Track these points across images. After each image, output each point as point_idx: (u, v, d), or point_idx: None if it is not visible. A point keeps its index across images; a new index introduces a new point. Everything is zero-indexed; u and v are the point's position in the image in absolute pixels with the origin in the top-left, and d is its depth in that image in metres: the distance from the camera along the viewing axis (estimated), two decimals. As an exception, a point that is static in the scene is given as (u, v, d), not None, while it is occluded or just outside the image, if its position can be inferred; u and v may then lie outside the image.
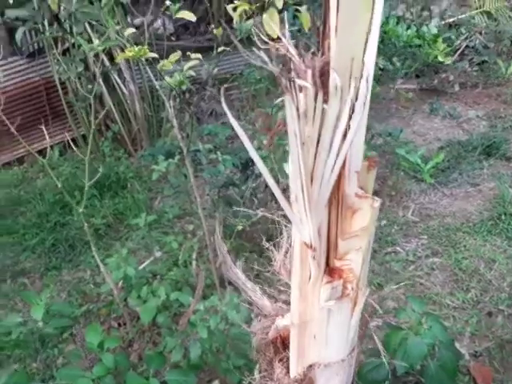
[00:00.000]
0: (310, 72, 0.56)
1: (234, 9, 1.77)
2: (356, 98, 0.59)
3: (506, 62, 5.65)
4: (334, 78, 0.56)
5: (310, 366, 0.77)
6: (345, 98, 0.58)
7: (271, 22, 1.65)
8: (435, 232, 3.49)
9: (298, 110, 0.58)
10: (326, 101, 0.58)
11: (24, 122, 4.66)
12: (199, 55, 1.72)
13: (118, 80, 4.17)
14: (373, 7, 0.55)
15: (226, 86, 4.32)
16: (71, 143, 2.36)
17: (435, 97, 5.49)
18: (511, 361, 2.54)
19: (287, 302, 0.95)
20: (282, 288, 1.06)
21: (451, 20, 5.88)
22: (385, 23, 3.73)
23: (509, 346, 2.61)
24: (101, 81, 3.98)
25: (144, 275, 2.59)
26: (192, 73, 1.74)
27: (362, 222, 0.66)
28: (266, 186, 2.90)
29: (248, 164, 2.97)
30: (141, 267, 2.71)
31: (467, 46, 5.92)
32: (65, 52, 4.28)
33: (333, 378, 0.79)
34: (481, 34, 5.98)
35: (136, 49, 1.52)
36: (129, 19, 4.45)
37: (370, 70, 0.60)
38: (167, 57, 1.81)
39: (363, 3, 0.55)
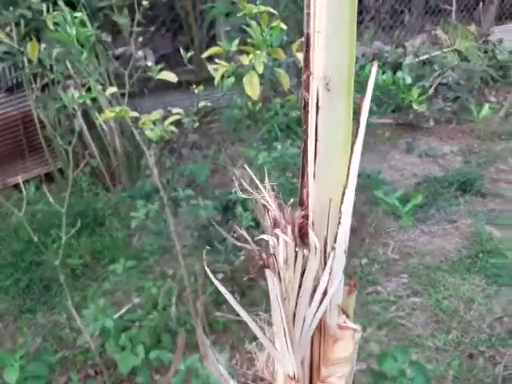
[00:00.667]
0: (289, 228, 0.59)
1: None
2: (335, 241, 0.61)
3: (477, 102, 5.88)
4: (314, 241, 0.58)
5: None
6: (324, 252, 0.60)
7: (251, 85, 1.68)
8: (415, 270, 3.52)
9: (279, 275, 0.59)
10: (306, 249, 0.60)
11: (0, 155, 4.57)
12: (181, 110, 1.73)
13: (98, 116, 4.14)
14: (351, 152, 0.57)
15: (207, 119, 4.35)
16: (50, 176, 2.31)
17: (411, 132, 5.64)
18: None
19: None
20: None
21: (425, 57, 6.11)
22: (361, 71, 3.86)
23: (490, 390, 2.61)
24: (80, 117, 3.94)
25: (122, 323, 2.52)
26: (173, 128, 1.74)
27: (343, 350, 0.67)
28: (247, 228, 2.89)
29: (228, 206, 2.97)
30: (118, 314, 2.64)
31: (440, 83, 6.14)
32: (44, 87, 4.25)
33: None
34: (453, 70, 6.22)
35: (117, 109, 1.51)
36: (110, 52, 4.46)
37: (347, 217, 0.62)
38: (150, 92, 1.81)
39: (342, 147, 0.57)
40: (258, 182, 0.66)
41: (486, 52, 6.25)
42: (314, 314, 0.61)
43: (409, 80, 3.89)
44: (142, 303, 2.98)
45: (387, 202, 3.07)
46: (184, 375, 1.67)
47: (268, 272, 0.61)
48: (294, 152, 2.92)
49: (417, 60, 6.16)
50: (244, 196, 2.60)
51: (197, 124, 2.29)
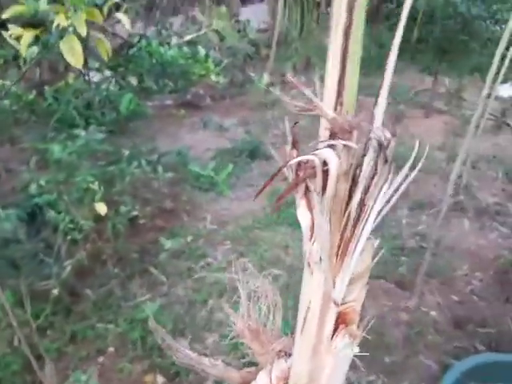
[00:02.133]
0: (355, 132, 0.53)
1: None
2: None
3: (243, 77, 6.47)
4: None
5: None
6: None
7: (73, 51, 1.40)
8: (234, 235, 3.71)
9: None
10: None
11: None
12: None
13: None
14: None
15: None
16: None
17: (193, 111, 5.83)
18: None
19: (250, 364, 0.85)
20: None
21: (189, 38, 6.32)
22: (148, 45, 3.73)
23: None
24: None
25: None
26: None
27: (363, 263, 0.65)
28: (66, 232, 2.49)
29: (35, 212, 2.49)
30: None
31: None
32: None
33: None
34: (215, 49, 6.65)
35: None
36: None
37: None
38: None
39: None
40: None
41: (239, 31, 6.88)
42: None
43: (203, 51, 3.96)
44: None
45: (203, 175, 3.11)
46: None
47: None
48: (100, 137, 2.63)
49: (182, 41, 6.34)
50: (52, 196, 2.20)
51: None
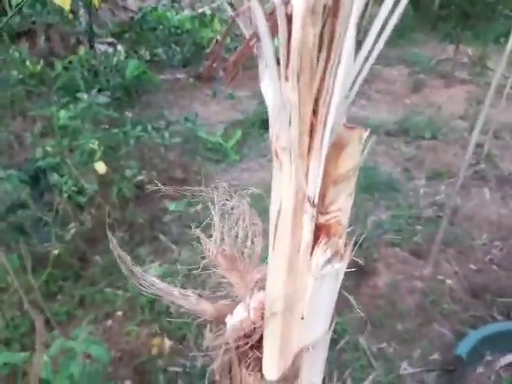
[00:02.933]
0: None
1: None
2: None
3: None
4: None
5: (298, 353, 0.62)
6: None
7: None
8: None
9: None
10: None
11: None
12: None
13: None
14: None
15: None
16: None
17: (204, 84, 5.73)
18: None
19: (226, 297, 0.77)
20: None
21: (202, 10, 6.18)
22: (154, 10, 3.63)
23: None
24: None
25: None
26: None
27: (350, 160, 0.54)
28: (70, 196, 2.46)
29: (38, 175, 2.46)
30: None
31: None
32: None
33: (317, 358, 0.66)
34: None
35: None
36: None
37: None
38: None
39: None
40: None
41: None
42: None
43: (208, 11, 3.86)
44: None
45: (211, 141, 3.03)
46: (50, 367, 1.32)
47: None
48: (103, 100, 2.57)
49: (195, 13, 6.21)
50: (56, 159, 2.15)
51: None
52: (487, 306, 2.63)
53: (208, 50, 5.62)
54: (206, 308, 0.73)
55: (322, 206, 0.56)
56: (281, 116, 0.47)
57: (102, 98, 2.57)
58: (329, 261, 0.57)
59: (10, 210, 2.51)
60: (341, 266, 0.59)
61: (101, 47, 5.39)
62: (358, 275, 2.73)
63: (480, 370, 2.18)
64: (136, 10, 5.47)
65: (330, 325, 0.66)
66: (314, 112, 0.49)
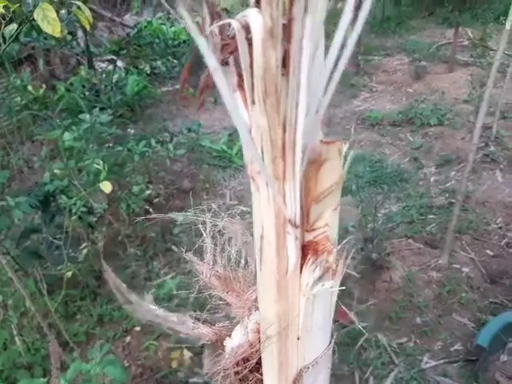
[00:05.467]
0: None
1: None
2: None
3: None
4: None
5: (298, 374, 0.62)
6: None
7: (48, 20, 1.35)
8: (255, 209, 3.65)
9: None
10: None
11: None
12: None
13: None
14: None
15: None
16: None
17: (206, 92, 5.75)
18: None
19: (224, 319, 0.77)
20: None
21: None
22: (149, 24, 3.66)
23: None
24: None
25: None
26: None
27: (331, 174, 0.54)
28: (80, 217, 2.49)
29: (48, 199, 2.50)
30: None
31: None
32: None
33: (319, 375, 0.66)
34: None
35: None
36: None
37: None
38: None
39: None
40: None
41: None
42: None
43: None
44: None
45: (215, 149, 3.04)
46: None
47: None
48: (106, 119, 2.60)
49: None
50: (64, 182, 2.18)
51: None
52: (506, 292, 2.59)
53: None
54: (204, 332, 0.74)
55: (307, 223, 0.56)
56: (252, 140, 0.47)
57: (104, 117, 2.60)
58: (319, 279, 0.57)
59: (24, 235, 2.55)
60: (332, 284, 0.58)
61: (101, 65, 5.47)
62: (372, 271, 2.72)
63: (504, 358, 2.15)
64: (133, 25, 5.53)
65: (330, 341, 0.65)
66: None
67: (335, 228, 0.58)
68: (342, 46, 0.47)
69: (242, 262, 0.78)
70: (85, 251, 2.38)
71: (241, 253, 0.79)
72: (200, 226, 0.81)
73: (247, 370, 0.66)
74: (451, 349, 2.30)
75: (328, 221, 0.55)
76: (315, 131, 0.50)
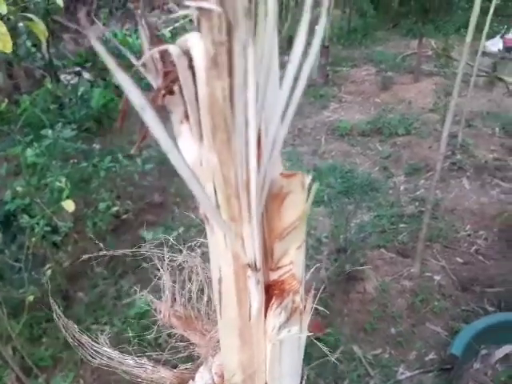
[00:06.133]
0: None
1: None
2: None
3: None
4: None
5: None
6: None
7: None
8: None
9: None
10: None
11: None
12: None
13: None
14: None
15: None
16: None
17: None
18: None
19: (185, 360, 0.72)
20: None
21: (166, 30, 6.17)
22: (114, 36, 3.60)
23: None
24: None
25: None
26: None
27: (294, 209, 0.50)
28: (44, 236, 2.39)
29: (9, 218, 2.39)
30: None
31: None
32: None
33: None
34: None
35: None
36: None
37: None
38: None
39: None
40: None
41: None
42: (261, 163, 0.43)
43: (168, 34, 3.83)
44: None
45: (185, 163, 2.99)
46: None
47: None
48: (69, 134, 2.51)
49: (160, 33, 6.20)
50: (25, 201, 2.07)
51: None
52: (477, 299, 2.62)
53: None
54: (165, 375, 0.69)
55: (271, 261, 0.52)
56: (199, 182, 0.43)
57: (68, 132, 2.51)
58: (286, 323, 0.53)
59: (-17, 258, 2.42)
60: (301, 328, 0.55)
61: (67, 77, 5.33)
62: (345, 282, 2.71)
63: (476, 365, 2.17)
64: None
65: (301, 379, 0.62)
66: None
67: (301, 265, 0.55)
68: (300, 66, 0.43)
69: (204, 298, 0.74)
70: (49, 272, 2.27)
71: (202, 289, 0.74)
72: (157, 262, 0.77)
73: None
74: (426, 358, 2.30)
75: (293, 258, 0.51)
76: (274, 164, 0.46)
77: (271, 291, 0.52)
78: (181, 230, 3.46)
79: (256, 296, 0.50)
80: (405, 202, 3.57)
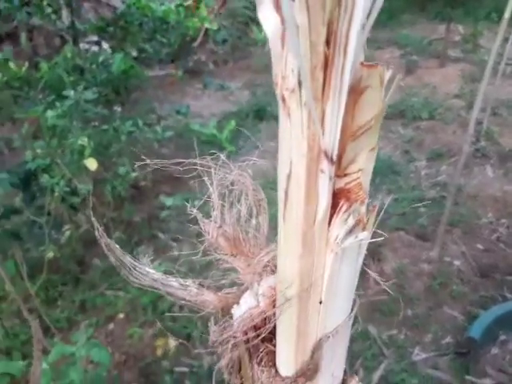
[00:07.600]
0: None
1: None
2: None
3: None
4: None
5: (317, 343, 0.54)
6: None
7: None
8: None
9: None
10: None
11: None
12: None
13: None
14: None
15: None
16: None
17: (196, 77, 5.63)
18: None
19: (229, 285, 0.69)
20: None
21: (189, 2, 6.06)
22: (137, 2, 3.52)
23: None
24: None
25: None
26: None
27: (370, 107, 0.44)
28: (63, 198, 2.38)
29: (29, 178, 2.38)
30: None
31: (206, 29, 6.25)
32: None
33: (339, 347, 0.58)
34: (215, 15, 6.38)
35: None
36: None
37: None
38: None
39: None
40: None
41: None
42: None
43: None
44: None
45: (205, 133, 2.95)
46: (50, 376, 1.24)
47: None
48: (91, 97, 2.48)
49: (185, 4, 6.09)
50: (46, 161, 2.05)
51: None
52: (497, 286, 2.57)
53: (196, 43, 5.52)
54: (209, 298, 0.66)
55: (338, 166, 0.47)
56: (286, 46, 0.37)
57: (90, 95, 2.48)
58: (351, 232, 0.49)
59: (3, 216, 2.42)
60: (365, 236, 0.50)
61: (86, 47, 5.29)
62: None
63: (494, 351, 2.13)
64: (119, 6, 5.35)
65: (352, 308, 0.58)
66: (327, 41, 0.38)
67: (369, 174, 0.50)
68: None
69: (253, 221, 0.70)
70: (67, 233, 2.27)
71: (251, 211, 0.71)
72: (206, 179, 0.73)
73: (258, 339, 0.58)
74: (442, 341, 2.27)
75: (363, 164, 0.47)
76: (359, 48, 0.40)
77: (336, 199, 0.47)
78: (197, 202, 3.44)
79: (325, 195, 0.44)
80: (425, 187, 3.50)
